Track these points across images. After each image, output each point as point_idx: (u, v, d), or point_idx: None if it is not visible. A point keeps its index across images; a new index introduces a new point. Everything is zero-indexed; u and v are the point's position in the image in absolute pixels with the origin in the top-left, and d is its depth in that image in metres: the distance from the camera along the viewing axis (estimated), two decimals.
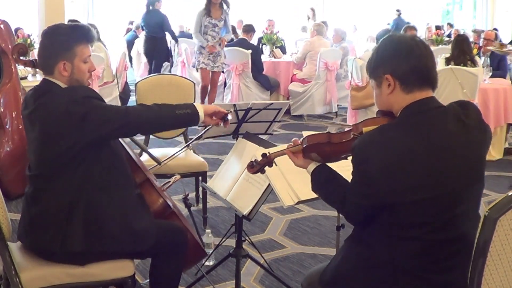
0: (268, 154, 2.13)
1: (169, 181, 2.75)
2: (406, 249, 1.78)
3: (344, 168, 2.05)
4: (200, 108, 2.34)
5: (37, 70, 5.39)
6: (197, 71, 7.42)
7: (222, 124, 2.44)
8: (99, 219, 2.20)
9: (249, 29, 8.13)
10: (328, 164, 2.03)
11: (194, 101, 4.17)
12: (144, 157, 3.33)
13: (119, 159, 2.33)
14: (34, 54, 5.85)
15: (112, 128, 2.18)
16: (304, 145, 1.99)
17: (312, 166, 2.00)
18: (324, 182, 1.97)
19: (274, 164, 2.17)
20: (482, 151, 1.83)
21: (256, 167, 2.16)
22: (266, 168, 2.17)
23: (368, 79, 1.89)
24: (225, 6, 7.13)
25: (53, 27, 2.35)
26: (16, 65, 4.47)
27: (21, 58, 2.60)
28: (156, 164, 2.85)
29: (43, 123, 2.19)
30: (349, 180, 1.86)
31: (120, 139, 2.47)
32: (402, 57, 1.78)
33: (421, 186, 1.71)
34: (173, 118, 2.30)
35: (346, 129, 1.96)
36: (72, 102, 2.15)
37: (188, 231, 2.50)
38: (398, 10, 13.38)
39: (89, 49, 2.33)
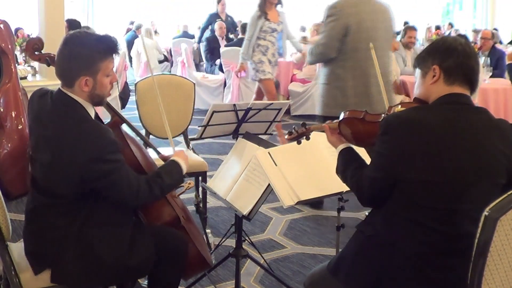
0: (308, 125, 2.29)
1: (182, 186, 2.72)
2: (407, 234, 1.83)
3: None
4: (184, 168, 2.38)
5: (37, 69, 5.40)
6: (259, 82, 6.11)
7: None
8: (95, 254, 2.15)
9: None
10: (359, 148, 2.17)
11: (195, 102, 4.17)
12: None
13: None
14: None
15: (118, 199, 2.16)
16: (341, 118, 2.12)
17: (342, 145, 2.15)
18: (348, 160, 2.09)
19: (309, 138, 2.30)
20: (498, 157, 1.85)
21: (294, 134, 2.30)
22: (268, 167, 2.19)
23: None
24: (279, 7, 6.01)
25: (77, 37, 2.15)
26: (19, 64, 4.47)
27: (36, 53, 2.56)
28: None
29: (57, 157, 2.08)
30: None
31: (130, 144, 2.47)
32: (453, 53, 1.90)
33: (429, 167, 1.80)
34: (174, 185, 2.38)
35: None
36: (95, 160, 2.05)
37: (194, 243, 2.45)
38: None
39: (113, 62, 2.19)
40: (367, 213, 2.09)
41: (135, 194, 2.15)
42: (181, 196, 2.64)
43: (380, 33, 3.95)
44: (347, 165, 2.08)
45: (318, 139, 2.48)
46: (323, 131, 2.24)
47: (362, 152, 2.23)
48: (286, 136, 2.32)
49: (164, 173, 2.30)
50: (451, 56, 1.89)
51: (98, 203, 2.16)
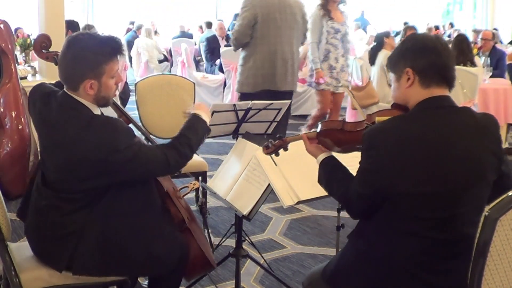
0: (284, 137, 2.18)
1: (187, 187, 2.72)
2: (404, 246, 1.79)
3: (356, 162, 2.09)
4: (208, 120, 2.38)
5: (37, 70, 5.39)
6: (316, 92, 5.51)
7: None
8: (120, 244, 2.15)
9: None
10: (341, 154, 2.08)
11: (195, 102, 4.17)
12: None
13: (146, 181, 2.27)
14: (34, 54, 5.83)
15: (153, 176, 2.22)
16: (319, 130, 2.04)
17: (322, 156, 2.06)
18: (330, 171, 2.02)
19: (287, 148, 2.20)
20: (488, 158, 1.82)
21: (271, 148, 2.19)
22: (268, 167, 2.17)
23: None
24: (342, 6, 5.43)
25: (80, 40, 2.12)
26: (18, 64, 4.47)
27: (44, 51, 2.55)
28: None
29: (73, 160, 2.07)
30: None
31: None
32: (424, 53, 1.83)
33: (423, 178, 1.74)
34: (201, 138, 2.34)
35: (361, 120, 2.02)
36: (112, 153, 2.03)
37: (197, 246, 2.44)
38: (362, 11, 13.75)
39: (118, 63, 2.15)
40: None
41: (166, 162, 2.15)
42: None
43: (287, 23, 4.57)
44: (331, 176, 2.01)
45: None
46: (300, 140, 2.15)
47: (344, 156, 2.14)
48: (263, 150, 2.22)
49: (188, 131, 2.28)
50: (422, 56, 1.82)
51: (120, 191, 2.14)
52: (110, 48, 2.11)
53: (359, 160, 1.86)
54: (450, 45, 6.61)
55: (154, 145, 2.17)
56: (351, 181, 1.88)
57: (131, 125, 2.51)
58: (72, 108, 2.12)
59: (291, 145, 2.31)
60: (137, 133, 2.57)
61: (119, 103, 7.72)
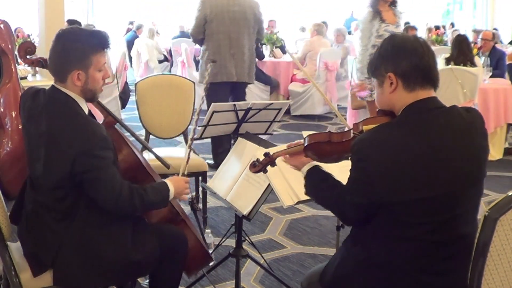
0: (270, 154, 2.13)
1: None
2: (403, 251, 1.77)
3: (345, 168, 2.06)
4: (172, 192, 2.29)
5: (37, 69, 5.39)
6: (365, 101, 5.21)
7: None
8: (98, 255, 2.16)
9: None
10: (330, 164, 2.04)
11: (194, 101, 4.17)
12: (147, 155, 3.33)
13: None
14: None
15: (95, 199, 2.13)
16: (306, 144, 1.99)
17: (307, 167, 2.02)
18: (318, 182, 1.98)
19: (275, 164, 2.16)
20: (482, 155, 1.81)
21: (258, 166, 2.15)
22: (268, 168, 2.16)
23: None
24: (393, 7, 4.96)
25: (68, 32, 2.20)
26: (19, 64, 4.47)
27: (28, 57, 2.55)
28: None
29: (51, 150, 2.10)
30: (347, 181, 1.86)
31: (131, 145, 2.46)
32: (404, 55, 1.78)
33: (418, 185, 1.71)
34: (153, 205, 2.28)
35: (347, 128, 1.97)
36: (84, 153, 2.06)
37: (195, 237, 2.46)
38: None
39: (105, 57, 2.22)
40: None
41: (115, 198, 2.11)
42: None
43: (236, 21, 4.99)
44: (318, 187, 1.97)
45: None
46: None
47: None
48: (251, 169, 2.18)
49: (151, 189, 2.23)
50: (403, 59, 1.77)
51: (93, 202, 2.15)
52: (98, 41, 2.18)
53: (346, 165, 1.83)
54: (450, 45, 6.63)
55: (117, 177, 2.13)
56: (342, 190, 1.85)
57: (118, 125, 2.53)
58: (58, 99, 2.16)
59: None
60: (127, 134, 2.59)
61: (119, 103, 7.65)
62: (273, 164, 2.15)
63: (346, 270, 1.90)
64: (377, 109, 1.96)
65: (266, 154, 2.13)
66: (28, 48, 2.54)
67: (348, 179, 1.82)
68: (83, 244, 2.15)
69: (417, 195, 1.71)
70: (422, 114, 1.77)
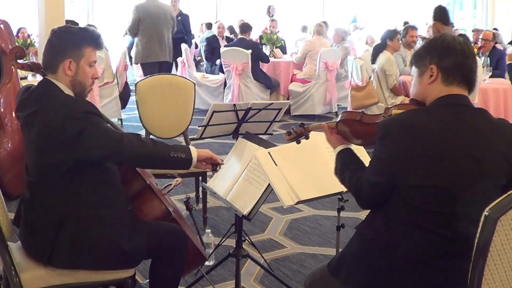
0: (306, 125, 2.28)
1: (170, 184, 2.73)
2: (408, 237, 1.81)
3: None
4: (195, 153, 2.30)
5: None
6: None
7: (210, 170, 2.46)
8: (87, 237, 2.18)
9: (246, 29, 8.10)
10: (359, 152, 2.15)
11: (195, 102, 4.18)
12: None
13: (112, 175, 2.30)
14: (36, 53, 5.83)
15: (103, 154, 2.16)
16: (338, 120, 2.11)
17: (341, 147, 2.14)
18: (347, 162, 2.08)
19: (309, 137, 2.30)
20: (496, 161, 1.83)
21: (293, 135, 2.30)
22: (268, 167, 2.19)
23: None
24: None
25: (63, 27, 2.38)
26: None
27: (19, 61, 2.58)
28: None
29: (40, 130, 2.16)
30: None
31: None
32: (451, 53, 1.87)
33: (431, 172, 1.78)
34: (165, 159, 2.25)
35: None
36: (69, 117, 2.10)
37: (188, 237, 2.47)
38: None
39: (96, 55, 2.30)
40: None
41: (120, 139, 2.15)
42: (175, 201, 2.65)
43: (159, 20, 7.13)
44: (346, 166, 2.07)
45: (318, 139, 2.48)
46: (321, 131, 2.23)
47: (361, 152, 2.23)
48: (285, 137, 2.32)
49: (166, 145, 2.26)
50: (449, 56, 1.86)
51: (86, 184, 2.19)
52: (90, 35, 2.29)
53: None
54: None
55: (112, 129, 2.23)
56: (364, 172, 1.94)
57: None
58: (46, 87, 2.24)
59: (292, 146, 2.32)
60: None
61: (119, 103, 7.67)
62: (307, 136, 2.30)
63: (351, 251, 1.98)
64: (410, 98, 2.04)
65: (301, 125, 2.28)
66: (17, 52, 2.56)
67: (370, 159, 1.92)
68: (74, 225, 2.17)
69: (427, 181, 1.78)
70: (451, 107, 1.85)
